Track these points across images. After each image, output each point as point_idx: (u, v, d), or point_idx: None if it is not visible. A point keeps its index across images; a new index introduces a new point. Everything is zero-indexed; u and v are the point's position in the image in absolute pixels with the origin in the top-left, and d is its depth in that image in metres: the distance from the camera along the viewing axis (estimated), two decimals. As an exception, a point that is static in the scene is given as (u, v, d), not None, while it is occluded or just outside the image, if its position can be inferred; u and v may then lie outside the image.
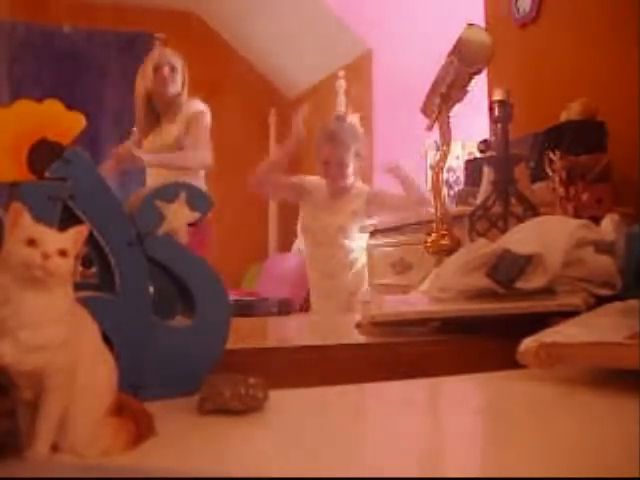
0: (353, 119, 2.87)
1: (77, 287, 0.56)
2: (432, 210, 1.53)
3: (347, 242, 2.70)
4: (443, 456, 0.59)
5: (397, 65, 3.72)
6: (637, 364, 0.70)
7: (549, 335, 0.82)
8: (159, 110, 3.00)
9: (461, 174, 2.91)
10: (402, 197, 2.69)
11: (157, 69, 2.92)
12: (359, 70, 3.96)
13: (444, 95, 1.46)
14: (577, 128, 1.88)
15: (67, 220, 0.66)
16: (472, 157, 2.80)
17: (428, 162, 3.38)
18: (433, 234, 1.46)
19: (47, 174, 0.68)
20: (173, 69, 2.93)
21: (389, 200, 2.73)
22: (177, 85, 2.95)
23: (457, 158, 3.21)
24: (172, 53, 2.98)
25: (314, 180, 2.80)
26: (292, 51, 4.54)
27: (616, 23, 2.02)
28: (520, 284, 1.04)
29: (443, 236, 1.44)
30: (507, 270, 1.05)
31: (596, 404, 0.71)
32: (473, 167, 2.35)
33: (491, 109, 1.48)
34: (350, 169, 2.67)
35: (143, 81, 2.96)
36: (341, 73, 3.88)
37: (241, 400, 0.64)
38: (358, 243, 2.71)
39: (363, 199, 2.72)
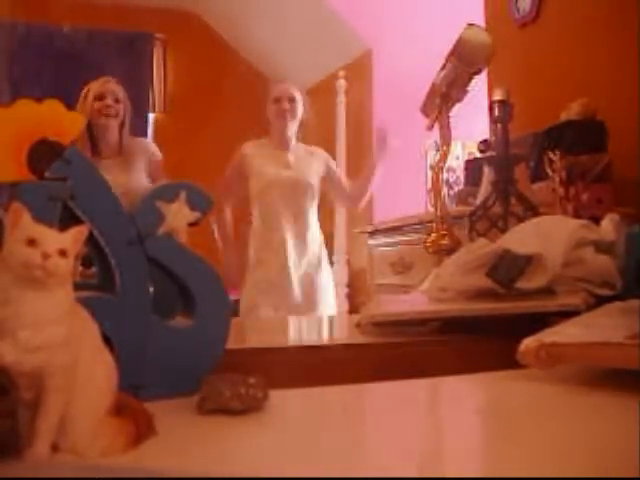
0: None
1: (77, 287, 0.56)
2: (432, 210, 1.53)
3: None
4: (443, 456, 0.59)
5: (397, 65, 3.72)
6: (637, 364, 0.70)
7: (549, 335, 0.82)
8: None
9: (461, 174, 2.91)
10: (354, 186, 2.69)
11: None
12: (359, 70, 3.95)
13: (444, 95, 1.46)
14: (577, 128, 1.88)
15: (67, 220, 0.67)
16: (472, 157, 2.80)
17: (428, 162, 3.38)
18: (433, 234, 1.46)
19: (47, 174, 0.68)
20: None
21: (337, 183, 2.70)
22: None
23: (457, 158, 3.20)
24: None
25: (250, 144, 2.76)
26: (292, 51, 4.54)
27: (616, 23, 2.02)
28: (520, 284, 1.04)
29: (443, 236, 1.44)
30: (507, 270, 1.05)
31: (596, 404, 0.71)
32: (473, 167, 2.35)
33: (491, 109, 1.47)
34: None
35: None
36: (341, 73, 3.87)
37: (241, 400, 0.64)
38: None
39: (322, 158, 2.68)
